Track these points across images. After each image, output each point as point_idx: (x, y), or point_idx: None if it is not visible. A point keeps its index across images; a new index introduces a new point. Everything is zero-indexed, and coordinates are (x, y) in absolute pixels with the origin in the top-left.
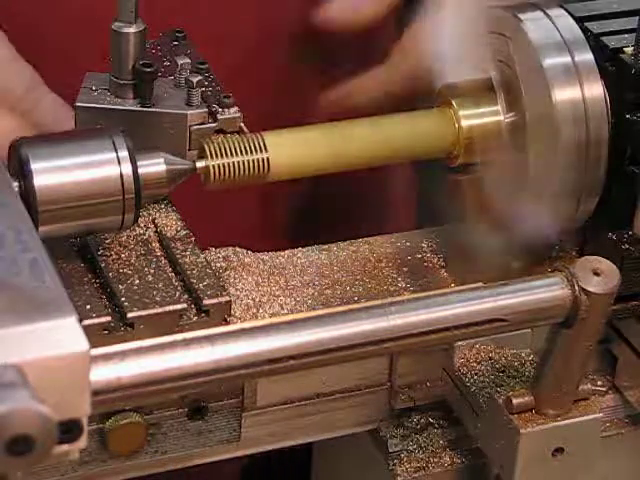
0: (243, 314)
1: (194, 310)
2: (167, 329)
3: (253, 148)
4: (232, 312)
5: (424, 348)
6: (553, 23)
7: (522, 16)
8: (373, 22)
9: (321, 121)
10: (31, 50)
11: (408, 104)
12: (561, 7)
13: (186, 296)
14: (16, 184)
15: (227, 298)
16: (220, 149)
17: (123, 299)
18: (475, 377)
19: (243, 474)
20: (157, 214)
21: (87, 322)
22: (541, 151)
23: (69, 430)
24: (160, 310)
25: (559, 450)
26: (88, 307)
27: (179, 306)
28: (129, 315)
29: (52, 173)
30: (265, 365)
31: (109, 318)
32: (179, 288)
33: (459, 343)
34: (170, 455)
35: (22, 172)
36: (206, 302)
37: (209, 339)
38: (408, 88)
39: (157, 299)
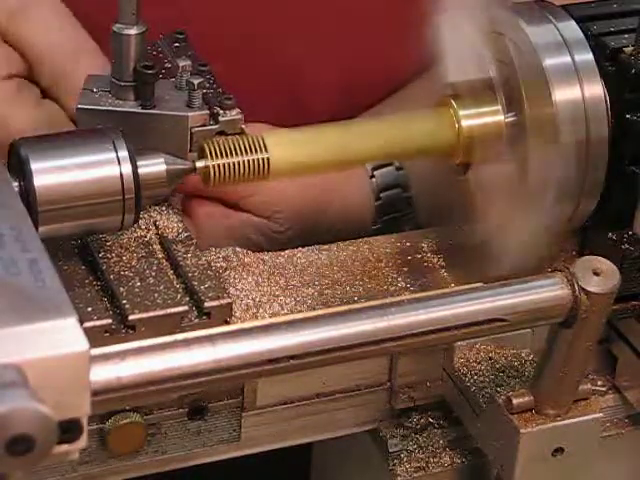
0: (243, 314)
1: (195, 312)
2: (168, 331)
3: (253, 148)
4: (232, 312)
5: (424, 348)
6: (553, 23)
7: (522, 16)
8: None
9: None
10: None
11: None
12: (561, 7)
13: (187, 298)
14: (16, 184)
15: (228, 300)
16: (220, 149)
17: (124, 301)
18: (475, 377)
19: (243, 474)
20: (158, 216)
21: (88, 324)
22: (541, 151)
23: (69, 430)
24: (161, 312)
25: (559, 450)
26: (89, 309)
27: (180, 308)
28: (130, 317)
29: (52, 173)
30: (265, 365)
31: (110, 320)
32: (180, 290)
33: (459, 343)
34: (170, 455)
35: (22, 172)
36: (207, 304)
37: (209, 339)
38: None
39: (158, 301)
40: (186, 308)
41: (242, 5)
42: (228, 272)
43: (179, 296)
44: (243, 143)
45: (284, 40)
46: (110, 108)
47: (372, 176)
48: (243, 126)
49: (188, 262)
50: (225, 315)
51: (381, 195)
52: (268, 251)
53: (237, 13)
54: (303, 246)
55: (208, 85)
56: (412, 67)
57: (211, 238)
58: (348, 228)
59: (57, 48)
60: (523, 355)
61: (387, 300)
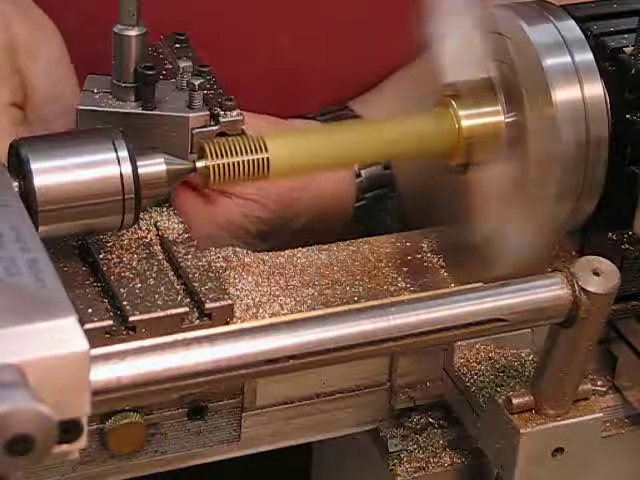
0: (243, 314)
1: (196, 314)
2: (169, 333)
3: (253, 148)
4: (233, 313)
5: (424, 348)
6: (553, 23)
7: (522, 16)
8: None
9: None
10: None
11: None
12: (561, 7)
13: (188, 300)
14: (16, 184)
15: (229, 302)
16: (220, 149)
17: (125, 302)
18: (475, 377)
19: (243, 474)
20: (159, 217)
21: (89, 326)
22: (541, 151)
23: (69, 430)
24: (162, 314)
25: (559, 450)
26: (90, 310)
27: (181, 310)
28: (131, 319)
29: (52, 173)
30: (265, 365)
31: (111, 322)
32: (181, 292)
33: (459, 343)
34: (170, 455)
35: (22, 172)
36: (208, 306)
37: (209, 339)
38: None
39: (159, 303)
40: (186, 309)
41: (238, 3)
42: (228, 272)
43: (180, 297)
44: (243, 143)
45: (281, 36)
46: (111, 109)
47: None
48: (243, 127)
49: (188, 263)
50: (226, 316)
51: (361, 172)
52: (258, 238)
53: (234, 10)
54: (293, 233)
55: (209, 86)
56: (407, 61)
57: (198, 226)
58: (329, 202)
59: (51, 98)
60: (523, 355)
61: (387, 300)
